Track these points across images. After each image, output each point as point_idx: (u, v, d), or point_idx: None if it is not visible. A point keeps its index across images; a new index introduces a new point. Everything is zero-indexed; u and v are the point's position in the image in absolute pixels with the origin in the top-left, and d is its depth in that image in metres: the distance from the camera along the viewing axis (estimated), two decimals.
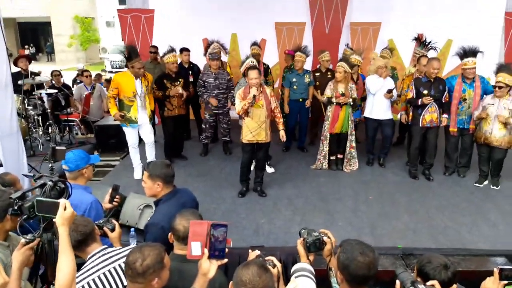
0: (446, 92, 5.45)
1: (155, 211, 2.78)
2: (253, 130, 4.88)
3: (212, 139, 7.26)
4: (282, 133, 5.02)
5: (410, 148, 5.87)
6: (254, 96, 4.70)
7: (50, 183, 2.26)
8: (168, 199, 2.72)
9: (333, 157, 6.06)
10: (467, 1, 8.14)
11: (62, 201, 1.92)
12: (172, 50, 6.16)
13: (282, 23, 8.72)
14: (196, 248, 1.81)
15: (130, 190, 4.62)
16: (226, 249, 1.85)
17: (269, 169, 5.97)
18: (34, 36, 31.26)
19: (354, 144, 6.00)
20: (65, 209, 1.89)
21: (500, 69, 5.18)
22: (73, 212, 1.92)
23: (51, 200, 2.03)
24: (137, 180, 5.66)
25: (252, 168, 5.45)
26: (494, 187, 5.43)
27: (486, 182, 5.53)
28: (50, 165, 2.71)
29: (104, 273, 2.21)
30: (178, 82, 6.10)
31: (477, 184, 5.52)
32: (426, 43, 6.54)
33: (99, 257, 2.28)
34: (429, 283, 1.80)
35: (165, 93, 5.96)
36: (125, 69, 5.62)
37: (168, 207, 2.66)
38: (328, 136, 5.91)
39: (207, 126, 6.60)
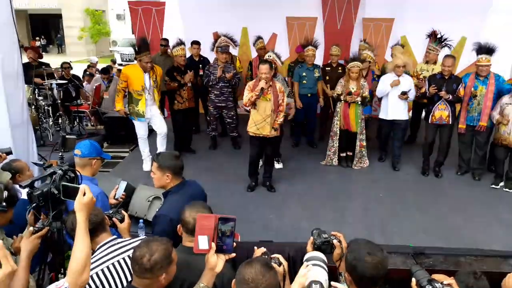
0: (459, 88, 5.34)
1: (163, 202, 2.76)
2: (258, 123, 4.84)
3: (222, 133, 7.24)
4: (276, 123, 4.94)
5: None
6: (262, 88, 4.66)
7: (60, 171, 2.24)
8: (177, 191, 2.70)
9: (343, 154, 5.99)
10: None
11: (81, 187, 1.89)
12: (180, 43, 6.14)
13: (294, 17, 8.62)
14: (203, 242, 1.77)
15: (139, 182, 4.62)
16: (234, 244, 1.81)
17: (277, 165, 5.92)
18: (45, 28, 31.42)
19: (364, 143, 5.92)
20: (84, 195, 1.86)
21: None
22: (92, 198, 1.88)
23: (74, 185, 2.01)
24: (146, 172, 5.64)
25: (261, 163, 5.41)
26: (507, 190, 5.31)
27: (502, 184, 5.42)
28: (60, 154, 2.69)
29: (113, 264, 2.19)
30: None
31: (493, 186, 5.40)
32: (442, 39, 6.41)
33: (109, 247, 2.25)
34: (446, 281, 1.74)
35: (180, 83, 5.94)
36: (135, 62, 5.61)
37: (177, 198, 2.63)
38: (338, 132, 5.84)
39: (211, 118, 6.58)
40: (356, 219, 4.54)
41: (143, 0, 8.56)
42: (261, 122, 4.85)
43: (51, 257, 2.40)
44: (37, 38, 29.40)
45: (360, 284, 1.79)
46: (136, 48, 5.31)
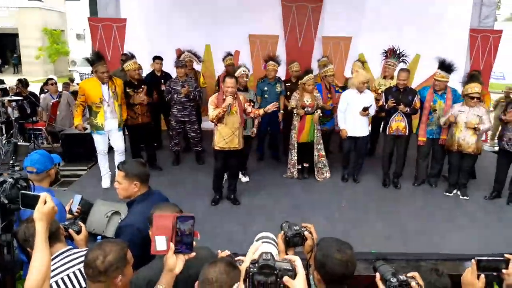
0: (415, 100, 5.56)
1: (128, 212, 2.64)
2: (227, 137, 4.82)
3: (185, 148, 7.15)
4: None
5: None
6: (230, 104, 4.66)
7: (10, 180, 2.12)
8: (142, 200, 2.60)
9: (299, 166, 6.04)
10: (434, 18, 8.44)
11: (42, 195, 1.81)
12: (131, 57, 6.09)
13: (256, 35, 8.78)
14: (161, 242, 1.70)
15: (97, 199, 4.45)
16: (194, 243, 1.75)
17: (244, 178, 5.91)
18: (0, 47, 30.30)
19: (323, 153, 6.01)
20: (45, 203, 1.77)
21: (471, 79, 5.34)
22: (53, 207, 1.79)
23: (33, 194, 1.90)
24: (104, 189, 5.47)
25: (225, 176, 5.37)
26: (464, 197, 5.51)
27: (455, 191, 5.63)
28: (11, 162, 2.55)
29: (68, 275, 2.07)
30: (141, 89, 5.97)
31: (446, 193, 5.62)
32: (399, 54, 6.68)
33: (64, 257, 2.14)
34: (410, 274, 1.76)
35: (129, 101, 5.81)
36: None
37: (143, 208, 2.51)
38: (296, 145, 5.91)
39: (174, 133, 6.48)
40: (320, 229, 4.44)
41: (103, 17, 8.45)
42: (229, 136, 4.84)
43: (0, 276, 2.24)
44: None
45: (328, 282, 1.77)
46: (90, 60, 5.20)
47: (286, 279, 1.30)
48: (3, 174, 2.23)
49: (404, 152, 5.74)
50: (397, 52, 6.66)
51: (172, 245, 1.70)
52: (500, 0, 21.73)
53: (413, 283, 1.85)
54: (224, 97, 4.78)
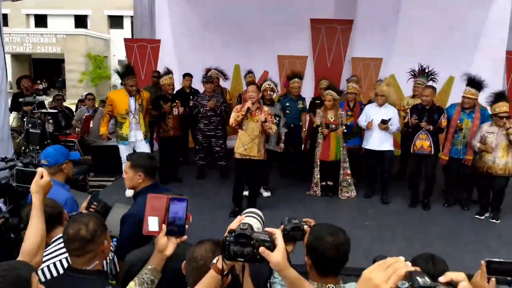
0: (441, 119, 5.35)
1: (133, 203, 2.66)
2: (245, 144, 4.82)
3: (210, 164, 7.18)
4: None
5: None
6: (248, 108, 4.69)
7: (20, 164, 2.19)
8: (147, 192, 2.60)
9: (323, 183, 5.90)
10: (469, 40, 8.26)
11: (39, 170, 1.87)
12: (168, 72, 6.28)
13: (285, 56, 8.87)
14: (153, 223, 1.69)
15: None
16: (187, 226, 1.72)
17: (265, 193, 5.84)
18: (47, 71, 32.21)
19: (349, 171, 5.86)
20: (41, 177, 1.83)
21: (498, 98, 5.11)
22: (49, 182, 1.85)
23: (30, 170, 1.96)
24: (128, 197, 5.53)
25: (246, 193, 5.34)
26: (494, 221, 5.19)
27: (487, 214, 5.31)
28: (23, 148, 2.64)
29: (66, 258, 2.07)
30: (175, 104, 6.13)
31: (477, 216, 5.31)
32: (429, 73, 6.53)
33: (61, 242, 2.14)
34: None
35: (160, 112, 5.97)
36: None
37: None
38: (319, 163, 5.79)
39: (200, 147, 6.55)
40: None
41: (139, 38, 8.82)
42: (248, 143, 4.84)
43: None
44: (39, 81, 30.04)
45: (320, 267, 1.68)
46: (120, 73, 5.40)
47: (262, 249, 1.24)
48: (14, 160, 2.32)
49: (431, 172, 5.49)
50: (426, 71, 6.50)
51: (164, 226, 1.68)
52: None
53: (305, 226, 1.75)
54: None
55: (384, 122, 5.51)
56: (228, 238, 1.28)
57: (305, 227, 1.92)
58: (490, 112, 5.30)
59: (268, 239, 1.28)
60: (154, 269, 1.70)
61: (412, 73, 6.74)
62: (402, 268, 0.85)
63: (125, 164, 5.30)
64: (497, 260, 1.73)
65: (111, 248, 2.41)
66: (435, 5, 8.37)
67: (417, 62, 7.45)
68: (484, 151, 5.07)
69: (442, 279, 0.86)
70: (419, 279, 0.81)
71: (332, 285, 1.68)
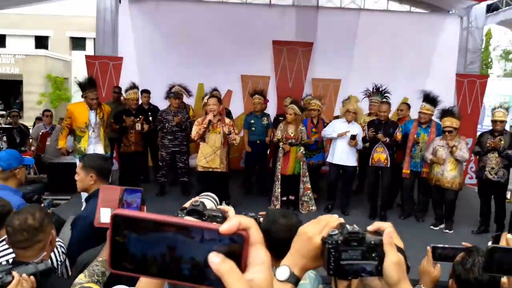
0: (396, 132, 5.59)
1: (85, 206, 2.59)
2: (207, 156, 4.84)
3: (172, 182, 7.10)
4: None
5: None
6: (210, 121, 4.73)
7: None
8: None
9: (284, 198, 5.96)
10: (421, 63, 8.76)
11: None
12: (134, 86, 6.23)
13: (248, 76, 9.02)
14: (105, 214, 1.66)
15: None
16: None
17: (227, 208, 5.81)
18: (5, 92, 31.02)
19: (309, 186, 5.96)
20: None
21: (444, 114, 5.44)
22: None
23: None
24: None
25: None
26: (447, 231, 5.42)
27: (442, 226, 5.53)
28: None
29: (13, 259, 1.99)
30: (138, 119, 6.08)
31: (432, 227, 5.52)
32: (382, 91, 6.83)
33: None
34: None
35: (122, 126, 5.89)
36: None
37: None
38: (280, 177, 5.87)
39: (163, 163, 6.48)
40: None
41: (101, 55, 8.74)
42: (210, 155, 4.86)
43: None
44: None
45: (273, 251, 1.70)
46: (81, 86, 5.32)
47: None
48: None
49: (387, 184, 5.69)
50: (380, 89, 6.81)
51: None
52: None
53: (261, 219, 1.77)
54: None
55: (353, 137, 5.67)
56: (179, 215, 1.26)
57: (261, 219, 1.95)
58: None
59: (220, 215, 1.29)
60: (105, 261, 1.66)
61: (367, 93, 7.03)
62: (334, 221, 0.90)
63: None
64: (441, 246, 1.83)
65: (63, 250, 2.34)
66: (389, 31, 8.87)
67: (373, 84, 7.82)
68: (436, 163, 5.32)
69: (370, 227, 0.91)
70: (348, 226, 0.86)
71: None
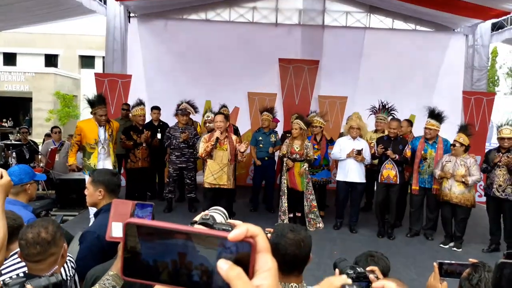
0: (406, 149, 5.59)
1: (94, 221, 2.60)
2: (215, 173, 4.85)
3: (179, 198, 7.11)
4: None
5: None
6: (217, 138, 4.76)
7: None
8: (108, 210, 2.56)
9: (291, 215, 5.93)
10: (428, 80, 8.80)
11: None
12: (140, 103, 6.32)
13: (255, 93, 9.11)
14: (117, 229, 1.68)
15: None
16: None
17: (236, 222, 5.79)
18: (15, 109, 31.48)
19: (315, 203, 5.92)
20: (1, 177, 1.79)
21: (460, 129, 5.46)
22: (9, 181, 1.81)
23: None
24: None
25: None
26: (455, 249, 5.36)
27: (451, 244, 5.47)
28: None
29: (24, 272, 2.01)
30: (145, 134, 6.15)
31: (441, 245, 5.46)
32: (388, 108, 6.85)
33: None
34: (368, 268, 1.69)
35: (135, 142, 5.96)
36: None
37: (107, 217, 2.50)
38: (286, 191, 5.86)
39: (170, 180, 6.50)
40: (308, 273, 4.34)
41: (109, 73, 8.88)
42: (218, 172, 4.87)
43: None
44: (4, 120, 29.24)
45: (281, 266, 1.71)
46: (90, 102, 5.40)
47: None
48: None
49: (396, 201, 5.66)
50: (386, 107, 6.83)
51: None
52: None
53: (371, 276, 1.74)
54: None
55: (359, 153, 5.67)
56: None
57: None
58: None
59: (230, 228, 1.31)
60: (116, 275, 1.67)
61: (373, 110, 7.05)
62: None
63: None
64: (448, 262, 1.82)
65: (72, 265, 2.35)
66: (394, 49, 8.96)
67: (379, 101, 7.85)
68: (444, 177, 5.30)
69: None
70: None
71: (295, 284, 1.70)
